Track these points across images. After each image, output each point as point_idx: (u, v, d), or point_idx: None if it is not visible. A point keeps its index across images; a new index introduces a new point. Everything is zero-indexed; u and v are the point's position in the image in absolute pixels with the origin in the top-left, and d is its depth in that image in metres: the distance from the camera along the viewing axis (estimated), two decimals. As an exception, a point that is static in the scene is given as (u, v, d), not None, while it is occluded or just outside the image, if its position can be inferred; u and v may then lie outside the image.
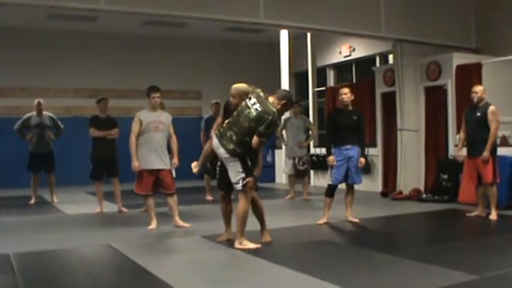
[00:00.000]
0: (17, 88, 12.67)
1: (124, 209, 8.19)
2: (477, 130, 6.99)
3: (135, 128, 6.54)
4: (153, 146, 6.56)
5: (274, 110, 5.24)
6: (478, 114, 7.00)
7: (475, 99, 7.04)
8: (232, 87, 5.65)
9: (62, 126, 9.59)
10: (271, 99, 5.35)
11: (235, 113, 5.39)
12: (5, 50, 12.35)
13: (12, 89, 12.65)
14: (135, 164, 6.48)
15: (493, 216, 6.87)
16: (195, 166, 5.62)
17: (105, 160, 8.08)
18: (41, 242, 5.86)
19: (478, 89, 7.12)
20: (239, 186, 5.27)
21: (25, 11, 10.72)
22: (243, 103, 5.36)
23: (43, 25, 12.33)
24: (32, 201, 9.26)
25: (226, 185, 5.44)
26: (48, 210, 8.54)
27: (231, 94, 5.64)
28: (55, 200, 9.43)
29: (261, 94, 5.36)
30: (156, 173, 6.58)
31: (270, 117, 5.15)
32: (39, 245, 5.65)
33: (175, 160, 6.84)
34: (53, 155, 9.49)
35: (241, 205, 5.29)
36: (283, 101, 5.37)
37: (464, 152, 7.28)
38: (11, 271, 4.54)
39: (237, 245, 5.30)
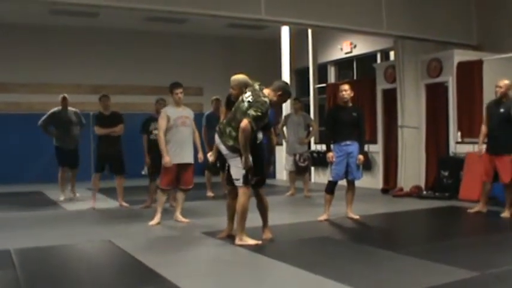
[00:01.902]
0: (18, 84, 12.64)
1: (124, 204, 8.22)
2: (500, 126, 6.72)
3: (162, 124, 6.60)
4: (181, 141, 6.65)
5: (266, 100, 5.20)
6: (502, 110, 6.73)
7: (499, 94, 6.76)
8: (232, 79, 5.68)
9: (84, 121, 9.40)
10: (266, 91, 5.31)
11: (233, 109, 5.39)
12: (5, 46, 12.32)
13: (13, 84, 12.61)
14: (167, 160, 6.52)
15: (506, 214, 6.72)
16: (210, 155, 5.83)
17: (108, 156, 8.10)
18: (41, 237, 5.87)
19: (502, 83, 6.77)
20: (239, 183, 5.27)
21: (26, 6, 10.70)
22: (240, 98, 5.34)
23: (44, 21, 12.29)
24: (62, 198, 8.99)
25: (232, 180, 5.43)
26: (49, 206, 8.53)
27: (230, 86, 5.67)
28: (77, 195, 9.31)
29: (256, 87, 5.33)
30: (182, 167, 6.64)
31: (259, 104, 5.11)
32: (40, 240, 5.65)
33: (200, 155, 6.93)
34: (78, 151, 9.29)
35: (240, 201, 5.28)
36: (279, 92, 5.32)
37: (484, 147, 7.00)
38: (12, 267, 4.55)
39: (237, 241, 5.30)
